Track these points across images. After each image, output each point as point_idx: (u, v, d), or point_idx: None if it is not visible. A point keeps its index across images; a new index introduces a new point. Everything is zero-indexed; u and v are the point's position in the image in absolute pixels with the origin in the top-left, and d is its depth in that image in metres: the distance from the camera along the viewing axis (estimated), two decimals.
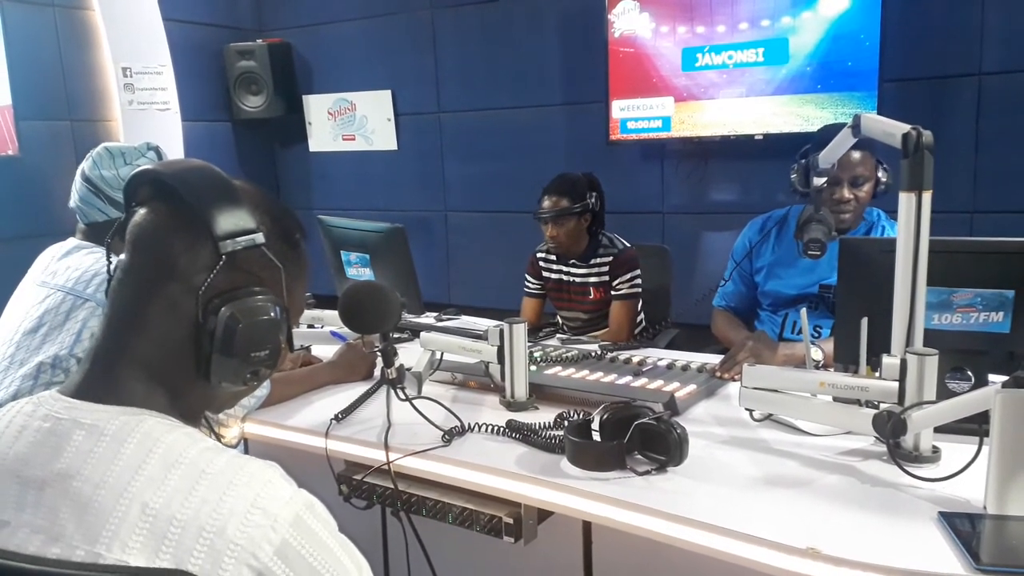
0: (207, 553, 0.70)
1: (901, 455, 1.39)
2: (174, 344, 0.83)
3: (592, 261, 2.86)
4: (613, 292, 2.81)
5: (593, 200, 2.79)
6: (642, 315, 2.95)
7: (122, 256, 0.87)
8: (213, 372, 0.84)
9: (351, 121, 4.83)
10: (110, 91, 4.24)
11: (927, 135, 1.41)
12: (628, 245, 2.87)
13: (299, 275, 0.93)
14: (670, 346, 2.67)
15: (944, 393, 1.46)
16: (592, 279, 2.86)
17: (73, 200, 1.79)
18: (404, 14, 4.52)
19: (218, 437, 0.89)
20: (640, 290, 2.83)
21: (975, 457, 1.29)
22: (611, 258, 2.83)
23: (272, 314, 0.86)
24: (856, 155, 2.16)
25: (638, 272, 2.82)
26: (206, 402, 0.90)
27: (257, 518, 0.72)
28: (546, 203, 2.79)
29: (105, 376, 0.82)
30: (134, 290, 0.84)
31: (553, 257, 2.96)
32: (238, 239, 0.83)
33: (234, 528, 0.71)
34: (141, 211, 0.87)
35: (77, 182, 1.78)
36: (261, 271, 0.86)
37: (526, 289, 3.05)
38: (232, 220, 0.83)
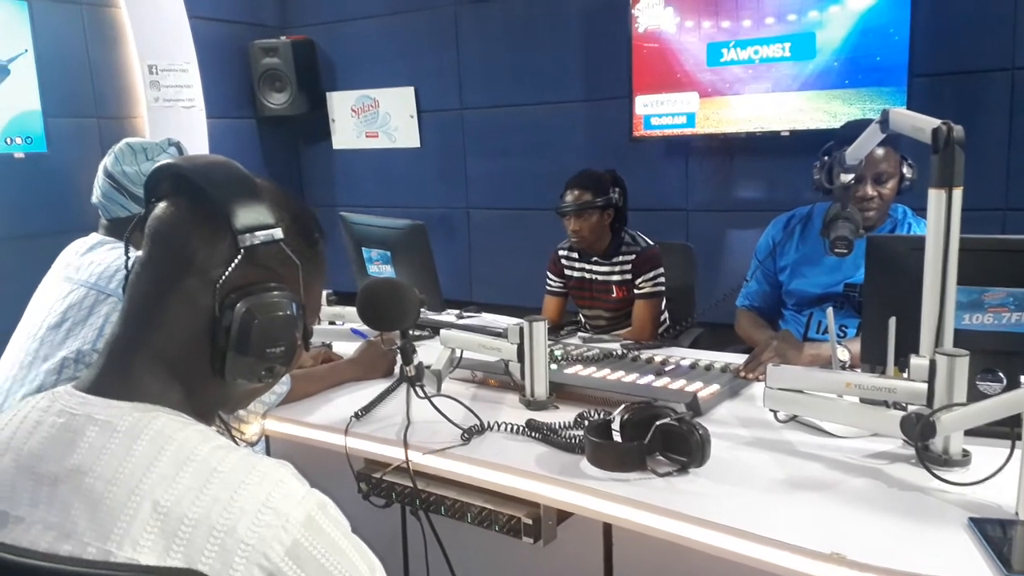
0: (218, 552, 0.69)
1: (930, 458, 1.36)
2: (190, 338, 0.83)
3: (615, 259, 2.84)
4: (636, 291, 2.79)
5: (616, 195, 2.78)
6: (666, 314, 2.92)
7: (140, 251, 0.87)
8: (228, 367, 0.84)
9: (374, 118, 4.84)
10: (136, 88, 4.29)
11: (958, 130, 1.38)
12: (651, 243, 2.85)
13: (317, 274, 0.93)
14: (694, 345, 2.64)
15: (975, 395, 1.42)
16: (615, 277, 2.84)
17: (95, 196, 1.81)
18: (427, 11, 4.52)
19: (232, 435, 0.89)
20: (663, 288, 2.81)
21: (1007, 461, 1.26)
22: (634, 256, 2.80)
23: (289, 311, 0.86)
24: (879, 151, 2.12)
25: (661, 270, 2.80)
26: (220, 399, 0.89)
27: (268, 518, 0.72)
28: (568, 197, 2.78)
29: (120, 372, 0.82)
30: (151, 284, 0.84)
31: (575, 255, 2.94)
32: (257, 233, 0.83)
33: (245, 527, 0.71)
34: (161, 206, 0.87)
35: (99, 178, 1.80)
36: (279, 267, 0.86)
37: (548, 287, 3.04)
38: (252, 215, 0.83)
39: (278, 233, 0.84)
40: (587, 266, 2.91)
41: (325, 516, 0.76)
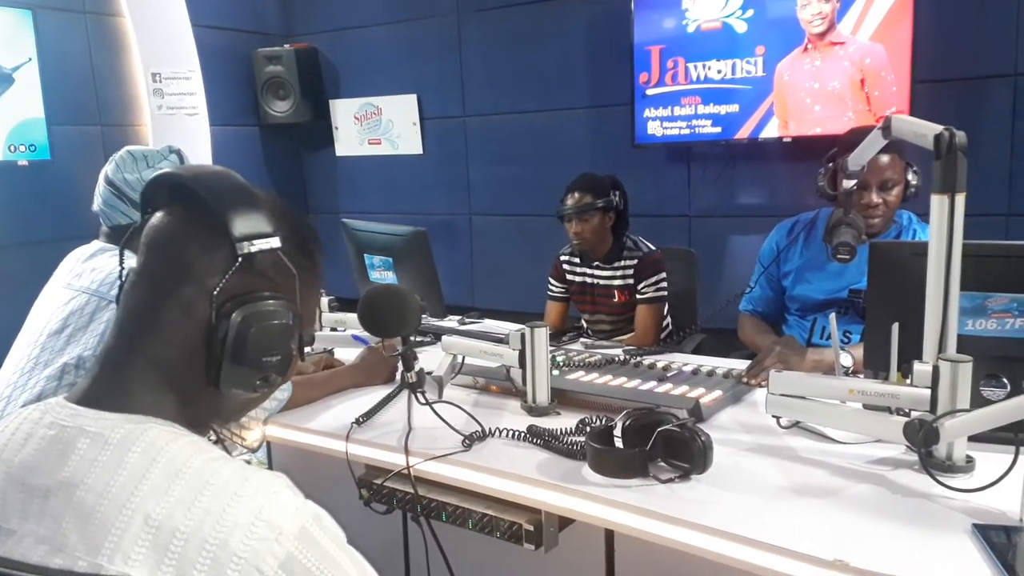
0: (210, 566, 0.68)
1: (933, 465, 1.35)
2: (185, 347, 0.82)
3: (616, 263, 2.84)
4: (638, 295, 2.79)
5: (617, 198, 2.78)
6: (668, 319, 2.92)
7: (135, 259, 0.86)
8: (223, 377, 0.83)
9: (377, 125, 4.85)
10: (140, 96, 4.30)
11: (960, 136, 1.37)
12: (653, 248, 2.85)
13: (312, 285, 0.93)
14: (697, 351, 2.63)
15: (978, 401, 1.41)
16: (616, 282, 2.84)
17: (96, 203, 1.81)
18: (430, 19, 4.54)
19: (225, 447, 0.88)
20: (666, 294, 2.80)
21: (1011, 467, 1.25)
22: (636, 261, 2.80)
23: (285, 320, 0.86)
24: (884, 159, 2.11)
25: (664, 275, 2.79)
26: (214, 410, 0.88)
27: (261, 530, 0.70)
28: (569, 200, 2.79)
29: (113, 382, 0.82)
30: (147, 293, 0.84)
31: (577, 259, 2.94)
32: (255, 241, 0.83)
33: (238, 541, 0.69)
34: (157, 215, 0.87)
35: (100, 186, 1.80)
36: (276, 276, 0.86)
37: (550, 292, 3.04)
38: (250, 223, 0.83)
39: (275, 242, 0.84)
40: (589, 271, 2.91)
41: (319, 528, 0.74)
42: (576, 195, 2.77)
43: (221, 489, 0.72)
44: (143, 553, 0.69)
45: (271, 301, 0.85)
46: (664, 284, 2.80)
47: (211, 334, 0.82)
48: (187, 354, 0.83)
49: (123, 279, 0.87)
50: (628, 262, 2.82)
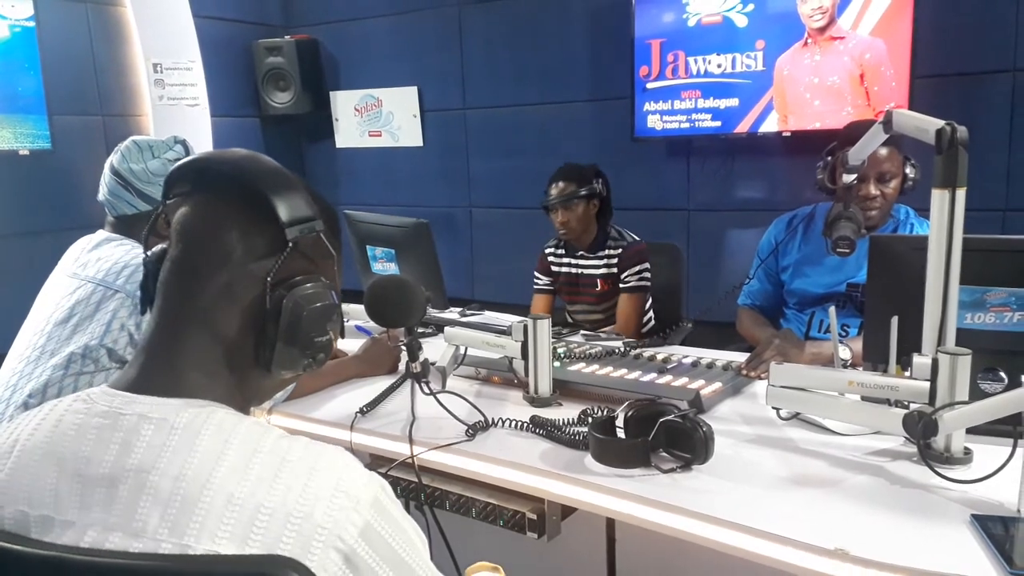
0: (295, 538, 0.70)
1: (932, 456, 1.37)
2: (234, 331, 0.83)
3: (601, 252, 2.86)
4: (621, 284, 2.81)
5: (600, 186, 2.79)
6: (651, 313, 2.93)
7: (162, 247, 0.87)
8: (276, 359, 0.84)
9: (377, 117, 4.85)
10: (141, 87, 4.30)
11: (962, 131, 1.38)
12: (637, 239, 2.87)
13: (340, 264, 0.95)
14: (685, 343, 2.63)
15: (976, 394, 1.43)
16: (600, 271, 2.87)
17: (102, 193, 1.81)
18: (431, 10, 4.53)
19: None
20: (649, 284, 2.81)
21: (1008, 459, 1.26)
22: (620, 250, 2.83)
23: (329, 300, 0.88)
24: (883, 151, 2.12)
25: (647, 266, 2.81)
26: (258, 391, 0.90)
27: (341, 501, 0.73)
28: (554, 190, 2.80)
29: (163, 369, 0.82)
30: (187, 280, 0.84)
31: (562, 251, 2.96)
32: (302, 226, 0.84)
33: (321, 512, 0.72)
34: (189, 202, 0.86)
35: (106, 175, 1.80)
36: (316, 258, 0.87)
37: (536, 286, 3.05)
38: (295, 207, 0.84)
39: (319, 225, 0.86)
40: (574, 261, 2.93)
41: (388, 497, 0.78)
42: (560, 184, 2.80)
43: (297, 465, 0.75)
44: (229, 530, 0.71)
45: (317, 283, 0.86)
46: (647, 274, 2.81)
47: (265, 318, 0.83)
48: (236, 338, 0.84)
49: (147, 267, 0.88)
50: (612, 251, 2.84)
